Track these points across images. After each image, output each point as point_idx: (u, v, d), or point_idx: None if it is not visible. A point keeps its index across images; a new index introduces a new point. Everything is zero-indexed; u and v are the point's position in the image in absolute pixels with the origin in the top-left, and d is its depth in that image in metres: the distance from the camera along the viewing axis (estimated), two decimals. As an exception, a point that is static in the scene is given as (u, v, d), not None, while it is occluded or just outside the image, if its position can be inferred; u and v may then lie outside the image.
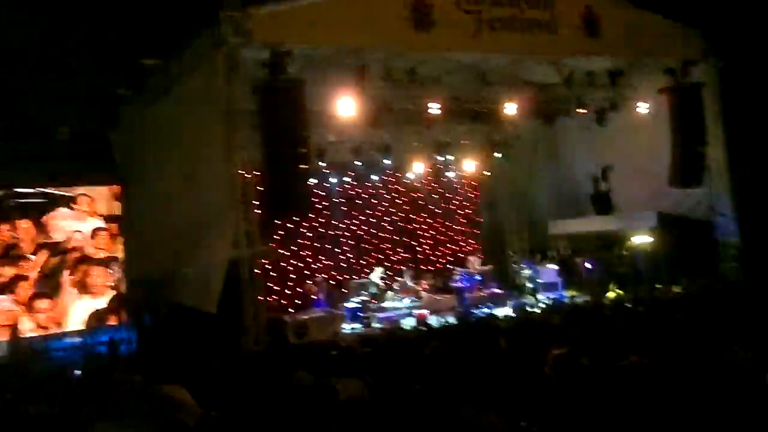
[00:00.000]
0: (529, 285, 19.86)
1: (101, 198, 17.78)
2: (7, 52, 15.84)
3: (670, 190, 18.22)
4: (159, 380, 7.84)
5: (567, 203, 21.89)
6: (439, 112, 16.57)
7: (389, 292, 20.08)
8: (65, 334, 16.12)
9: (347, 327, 17.41)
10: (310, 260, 20.83)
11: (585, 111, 18.22)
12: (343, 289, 20.11)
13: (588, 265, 20.97)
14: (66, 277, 17.10)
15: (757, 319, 8.01)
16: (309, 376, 6.86)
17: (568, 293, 19.28)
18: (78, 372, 9.21)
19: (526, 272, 20.20)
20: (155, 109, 16.16)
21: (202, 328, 13.82)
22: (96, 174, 17.58)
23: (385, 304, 19.31)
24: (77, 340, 16.04)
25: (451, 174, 22.74)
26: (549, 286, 20.22)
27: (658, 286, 17.44)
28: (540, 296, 19.35)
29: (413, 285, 20.46)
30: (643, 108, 18.13)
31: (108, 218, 17.78)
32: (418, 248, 22.90)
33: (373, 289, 19.33)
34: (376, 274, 19.91)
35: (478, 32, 15.08)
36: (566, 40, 16.09)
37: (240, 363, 9.56)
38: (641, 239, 19.35)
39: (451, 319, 16.68)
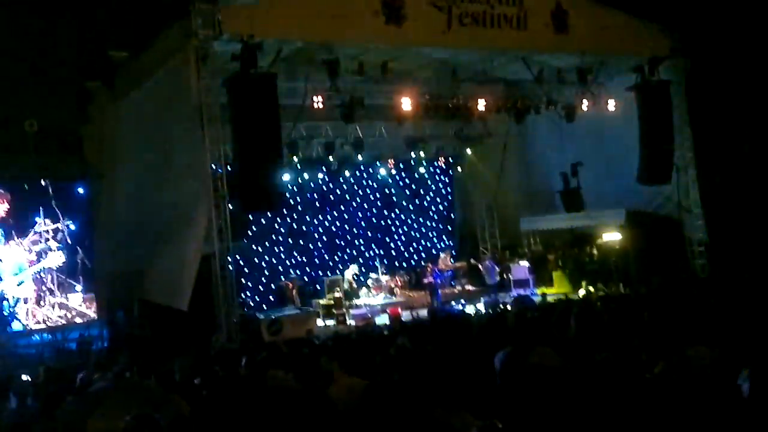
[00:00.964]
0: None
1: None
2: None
3: (639, 187, 18.46)
4: (131, 376, 7.81)
5: (537, 200, 22.07)
6: (410, 107, 16.59)
7: (363, 289, 20.10)
8: (34, 331, 15.85)
9: (321, 323, 17.40)
10: (284, 257, 20.74)
11: (554, 108, 18.39)
12: (316, 286, 20.08)
13: (559, 263, 21.19)
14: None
15: (725, 316, 8.14)
16: (284, 375, 6.85)
17: (539, 291, 19.44)
18: (44, 369, 9.04)
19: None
20: (125, 102, 15.98)
21: (174, 325, 13.71)
22: (65, 168, 17.29)
23: (359, 301, 19.33)
24: (48, 336, 15.79)
25: (422, 170, 22.78)
26: (520, 283, 20.39)
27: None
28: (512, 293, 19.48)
29: (387, 281, 20.50)
30: (611, 105, 18.35)
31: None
32: (391, 245, 22.92)
33: (346, 286, 19.35)
34: (350, 272, 19.91)
35: (448, 27, 15.14)
36: (535, 36, 16.23)
37: (212, 360, 9.48)
38: (611, 236, 19.58)
39: (424, 315, 16.75)
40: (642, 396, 4.86)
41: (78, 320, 16.52)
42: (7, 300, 15.61)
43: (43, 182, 16.19)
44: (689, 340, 6.21)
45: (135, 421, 4.47)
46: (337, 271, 20.53)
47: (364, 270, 20.98)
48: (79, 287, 16.91)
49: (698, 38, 17.84)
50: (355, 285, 19.71)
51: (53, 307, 16.65)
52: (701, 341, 6.03)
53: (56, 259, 16.35)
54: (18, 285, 16.04)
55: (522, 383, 5.08)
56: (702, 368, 5.35)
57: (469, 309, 17.13)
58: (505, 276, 20.88)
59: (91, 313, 16.76)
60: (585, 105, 18.27)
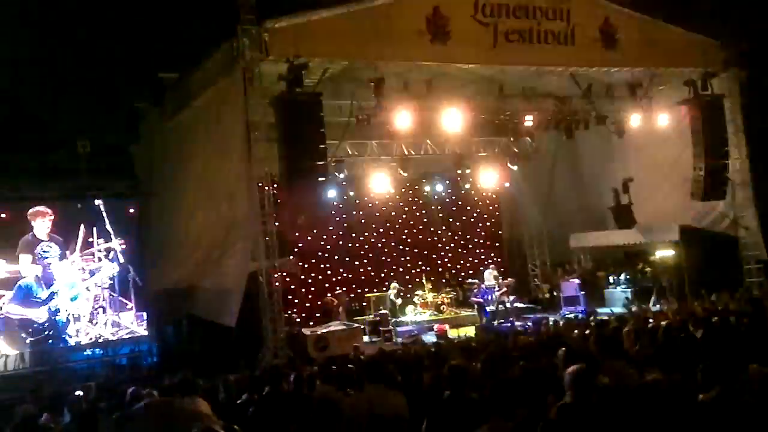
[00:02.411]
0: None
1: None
2: (30, 67, 16.08)
3: (692, 203, 18.01)
4: (179, 393, 7.85)
5: (588, 216, 21.71)
6: (457, 124, 16.51)
7: (410, 306, 19.98)
8: (86, 346, 16.16)
9: (367, 340, 17.33)
10: (330, 273, 20.78)
11: (604, 123, 18.10)
12: (363, 303, 20.04)
13: (611, 279, 20.78)
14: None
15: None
16: (329, 389, 6.82)
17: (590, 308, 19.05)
18: (95, 384, 9.18)
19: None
20: (174, 122, 16.30)
21: (222, 341, 13.84)
22: (116, 187, 17.69)
23: (405, 318, 19.22)
24: (99, 351, 16.07)
25: (468, 186, 22.60)
26: (570, 300, 20.03)
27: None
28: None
29: (433, 299, 20.34)
30: (663, 120, 17.97)
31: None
32: (438, 261, 22.77)
33: (390, 304, 19.25)
34: (392, 290, 19.80)
35: (494, 44, 15.07)
36: (583, 51, 16.05)
37: (258, 376, 9.51)
38: (664, 253, 19.10)
39: (471, 333, 16.58)
40: (695, 420, 4.68)
41: (129, 337, 16.80)
42: (62, 316, 15.95)
43: (96, 201, 16.54)
44: (746, 361, 5.96)
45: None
46: (384, 288, 20.45)
47: (411, 287, 20.88)
48: (130, 305, 17.21)
49: (752, 50, 17.40)
50: (399, 302, 19.59)
51: (105, 325, 16.96)
52: (758, 363, 5.79)
53: (109, 269, 16.64)
54: (72, 300, 16.39)
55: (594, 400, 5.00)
56: (760, 393, 5.13)
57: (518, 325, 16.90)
58: (554, 293, 20.52)
59: (142, 330, 17.03)
60: (636, 120, 17.94)
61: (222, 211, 14.20)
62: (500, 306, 19.76)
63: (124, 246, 17.03)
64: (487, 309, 19.34)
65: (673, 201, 18.54)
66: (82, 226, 16.20)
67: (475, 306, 19.48)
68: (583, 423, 4.84)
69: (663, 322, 10.85)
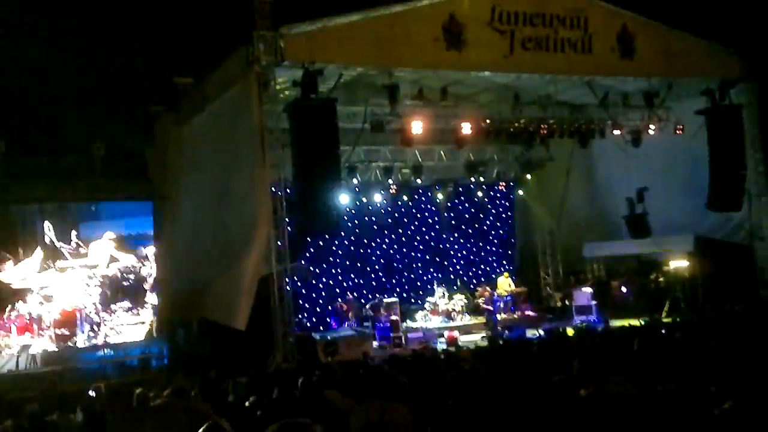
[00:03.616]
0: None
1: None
2: (45, 70, 16.23)
3: (708, 213, 17.86)
4: (188, 395, 7.86)
5: (602, 225, 21.57)
6: (470, 132, 16.48)
7: (420, 312, 19.93)
8: (98, 347, 16.25)
9: (377, 346, 17.28)
10: (341, 278, 20.78)
11: (620, 132, 17.99)
12: (373, 308, 20.00)
13: (624, 289, 20.62)
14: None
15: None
16: (337, 394, 6.80)
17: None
18: (104, 384, 9.21)
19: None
20: (189, 126, 16.36)
21: (233, 344, 13.84)
22: (131, 190, 17.82)
23: (416, 324, 19.16)
24: (110, 352, 16.15)
25: (482, 194, 22.53)
26: (583, 310, 19.88)
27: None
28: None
29: (444, 306, 20.27)
30: (679, 129, 17.84)
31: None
32: (449, 268, 22.70)
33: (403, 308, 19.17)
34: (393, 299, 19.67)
35: (510, 52, 15.03)
36: (600, 60, 15.98)
37: (268, 380, 9.50)
38: (679, 263, 18.94)
39: (482, 341, 16.48)
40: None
41: (140, 339, 16.90)
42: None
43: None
44: (762, 373, 5.87)
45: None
46: (394, 294, 20.38)
47: (422, 293, 20.84)
48: (144, 304, 17.38)
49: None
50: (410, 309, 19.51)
51: (117, 326, 17.10)
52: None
53: (127, 259, 16.76)
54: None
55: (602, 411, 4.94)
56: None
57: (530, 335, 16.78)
58: (566, 302, 20.39)
59: (153, 331, 17.11)
60: (652, 129, 17.82)
61: (234, 216, 14.22)
62: (511, 314, 19.69)
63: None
64: (496, 317, 19.26)
65: (689, 211, 18.39)
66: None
67: (485, 314, 19.39)
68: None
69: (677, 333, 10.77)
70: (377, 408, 6.27)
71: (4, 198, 16.53)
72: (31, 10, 16.17)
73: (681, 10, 16.88)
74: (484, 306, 19.63)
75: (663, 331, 11.67)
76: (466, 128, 16.43)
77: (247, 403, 7.73)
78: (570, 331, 14.48)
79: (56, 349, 15.70)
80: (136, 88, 16.97)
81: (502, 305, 19.98)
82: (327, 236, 19.53)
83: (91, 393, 8.99)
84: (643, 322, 14.93)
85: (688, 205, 18.42)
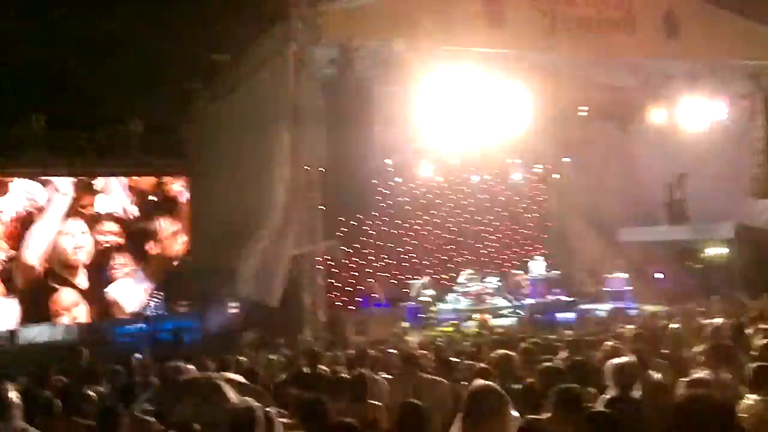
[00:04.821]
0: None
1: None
2: (83, 45, 16.36)
3: (749, 200, 17.45)
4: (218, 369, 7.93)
5: (639, 210, 21.20)
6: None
7: (451, 294, 19.86)
8: (130, 320, 16.52)
9: (407, 326, 17.28)
10: (373, 258, 20.78)
11: (660, 115, 17.60)
12: (404, 289, 20.00)
13: (660, 276, 20.32)
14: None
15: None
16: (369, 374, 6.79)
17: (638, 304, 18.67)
18: (139, 357, 9.32)
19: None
20: (225, 103, 16.42)
21: (265, 320, 13.97)
22: (167, 166, 17.99)
23: (446, 306, 19.11)
24: (143, 326, 16.41)
25: (518, 176, 22.26)
26: (617, 295, 19.64)
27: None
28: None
29: (476, 288, 20.16)
30: (722, 114, 17.39)
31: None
32: (482, 251, 22.57)
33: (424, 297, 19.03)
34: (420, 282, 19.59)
35: (552, 31, 14.75)
36: (644, 41, 15.59)
37: (297, 357, 9.55)
38: (717, 251, 18.58)
39: (514, 324, 16.42)
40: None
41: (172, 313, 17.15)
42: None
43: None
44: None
45: (236, 411, 4.49)
46: (426, 275, 20.30)
47: (454, 275, 20.78)
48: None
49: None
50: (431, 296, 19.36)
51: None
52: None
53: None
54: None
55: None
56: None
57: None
58: (601, 288, 20.16)
59: (186, 306, 17.35)
60: (693, 112, 17.39)
61: (268, 193, 14.25)
62: (544, 298, 19.52)
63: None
64: (531, 301, 19.13)
65: (729, 198, 17.96)
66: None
67: (517, 296, 19.27)
68: (629, 417, 4.73)
69: (714, 320, 10.56)
70: (416, 384, 6.28)
71: (45, 172, 16.80)
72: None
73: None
74: (516, 289, 19.48)
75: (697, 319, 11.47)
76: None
77: (277, 381, 7.78)
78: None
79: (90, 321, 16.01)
80: (174, 65, 17.03)
81: (534, 289, 19.82)
82: (360, 216, 19.55)
83: (138, 356, 9.15)
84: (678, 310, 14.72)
85: (728, 191, 18.01)
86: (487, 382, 4.48)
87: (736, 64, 16.94)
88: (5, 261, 16.23)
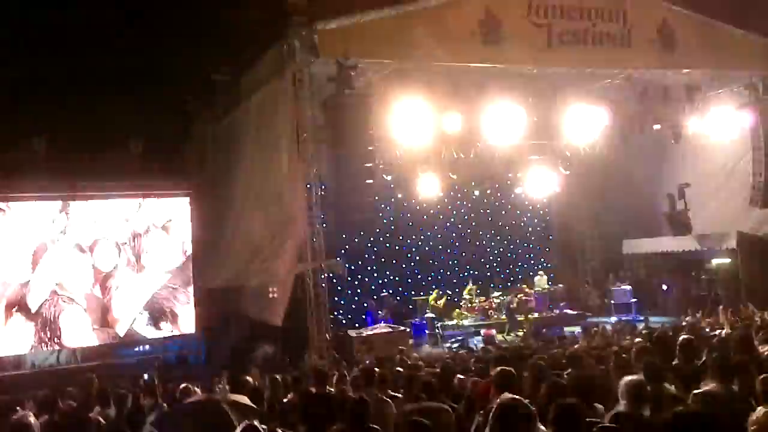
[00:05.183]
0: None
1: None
2: (83, 66, 16.43)
3: (751, 210, 17.43)
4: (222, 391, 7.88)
5: (642, 222, 21.19)
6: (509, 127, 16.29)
7: (456, 310, 19.81)
8: (136, 343, 16.47)
9: (413, 343, 17.22)
10: (376, 275, 20.74)
11: (660, 127, 17.64)
12: (409, 306, 19.95)
13: (664, 287, 20.26)
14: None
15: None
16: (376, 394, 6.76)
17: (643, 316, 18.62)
18: (147, 378, 9.30)
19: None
20: (225, 122, 16.49)
21: (269, 341, 13.92)
22: (168, 186, 17.98)
23: (452, 322, 19.06)
24: (148, 348, 16.36)
25: (519, 191, 22.25)
26: (622, 308, 19.59)
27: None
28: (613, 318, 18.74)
29: (480, 303, 20.12)
30: (721, 124, 17.42)
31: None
32: (486, 266, 22.52)
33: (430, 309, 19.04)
34: (434, 295, 19.58)
35: (548, 46, 14.81)
36: (640, 53, 15.66)
37: (303, 377, 9.50)
38: (720, 261, 18.54)
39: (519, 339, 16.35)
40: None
41: (178, 334, 17.10)
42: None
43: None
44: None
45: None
46: (430, 291, 20.27)
47: (458, 290, 20.72)
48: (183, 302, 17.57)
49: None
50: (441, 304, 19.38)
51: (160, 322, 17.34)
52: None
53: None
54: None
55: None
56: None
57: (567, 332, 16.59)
58: (605, 299, 20.13)
59: (192, 327, 17.30)
60: (692, 124, 17.43)
61: (270, 212, 14.27)
62: (549, 312, 19.47)
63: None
64: (535, 315, 19.08)
65: (731, 208, 17.98)
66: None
67: (522, 311, 19.20)
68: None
69: (720, 331, 10.52)
70: (419, 408, 6.22)
71: (44, 197, 16.80)
72: (71, 6, 16.40)
73: (723, 2, 16.46)
74: (522, 304, 19.41)
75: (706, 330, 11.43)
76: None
77: (284, 400, 7.74)
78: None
79: (96, 344, 15.96)
80: (174, 85, 17.09)
81: (539, 303, 19.77)
82: (362, 233, 19.53)
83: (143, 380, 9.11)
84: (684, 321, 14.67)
85: (730, 201, 18.01)
86: (515, 396, 4.46)
87: (732, 76, 17.00)
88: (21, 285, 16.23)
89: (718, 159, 18.27)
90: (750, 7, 16.52)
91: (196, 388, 8.28)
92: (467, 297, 20.24)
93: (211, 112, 17.20)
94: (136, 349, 16.39)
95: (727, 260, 18.43)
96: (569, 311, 20.23)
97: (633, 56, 15.67)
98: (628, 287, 20.11)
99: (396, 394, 7.15)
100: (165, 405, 7.64)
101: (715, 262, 18.96)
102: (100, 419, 7.27)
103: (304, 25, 13.16)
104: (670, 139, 17.91)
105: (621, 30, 15.44)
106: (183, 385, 8.24)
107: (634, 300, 19.71)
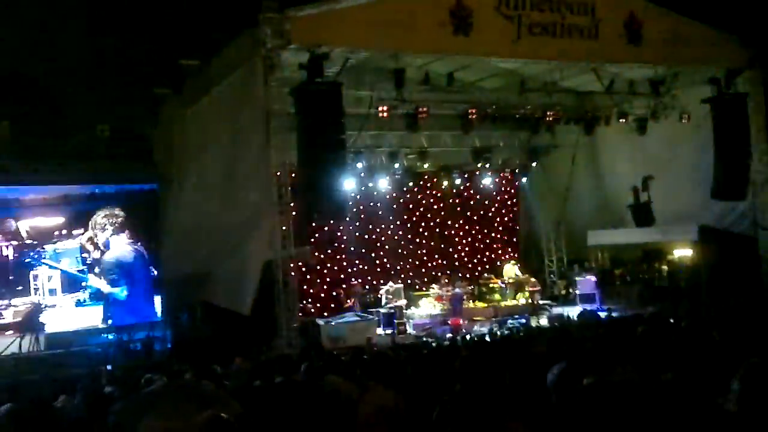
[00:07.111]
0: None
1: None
2: (50, 51, 16.16)
3: (713, 202, 17.80)
4: (189, 378, 7.87)
5: (606, 213, 21.52)
6: (476, 117, 16.43)
7: (424, 299, 19.92)
8: (101, 330, 16.30)
9: (381, 332, 17.33)
10: (346, 264, 20.76)
11: (625, 120, 17.92)
12: (377, 295, 20.01)
13: (627, 278, 20.60)
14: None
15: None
16: (339, 380, 6.81)
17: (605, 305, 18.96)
18: (110, 368, 9.24)
19: None
20: (194, 109, 16.32)
21: (236, 329, 13.87)
22: (135, 172, 17.77)
23: (420, 311, 19.18)
24: (114, 336, 16.20)
25: (488, 180, 22.43)
26: (586, 298, 19.90)
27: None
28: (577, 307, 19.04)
29: (448, 292, 20.25)
30: (685, 118, 17.76)
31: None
32: (454, 255, 22.67)
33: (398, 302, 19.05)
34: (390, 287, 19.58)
35: (518, 37, 14.93)
36: (607, 46, 15.86)
37: (270, 365, 9.50)
38: (683, 252, 18.91)
39: (485, 329, 16.53)
40: (714, 421, 4.60)
41: (144, 322, 16.94)
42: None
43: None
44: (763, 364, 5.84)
45: (209, 421, 4.46)
46: (399, 280, 20.36)
47: (426, 280, 20.86)
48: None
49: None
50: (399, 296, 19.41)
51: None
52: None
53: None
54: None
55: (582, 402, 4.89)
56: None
57: (533, 323, 16.85)
58: (570, 290, 20.41)
59: (158, 315, 17.16)
60: (657, 117, 17.72)
61: (239, 199, 14.20)
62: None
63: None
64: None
65: (694, 200, 18.34)
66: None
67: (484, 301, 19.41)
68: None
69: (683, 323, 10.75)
70: (381, 395, 6.29)
71: (9, 180, 16.50)
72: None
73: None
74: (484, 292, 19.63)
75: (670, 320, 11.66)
76: (472, 114, 16.38)
77: (249, 388, 7.74)
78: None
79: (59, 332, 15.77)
80: (142, 71, 16.87)
81: (506, 292, 19.98)
82: (332, 221, 19.50)
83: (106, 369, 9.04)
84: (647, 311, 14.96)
85: (692, 194, 18.37)
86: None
87: (696, 70, 17.31)
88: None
89: (682, 152, 18.61)
90: (714, 2, 16.84)
91: (161, 377, 8.25)
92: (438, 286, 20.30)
93: (180, 97, 17.01)
94: (102, 336, 16.21)
95: (689, 252, 18.79)
96: (535, 301, 20.43)
97: (600, 49, 15.86)
98: (593, 278, 20.43)
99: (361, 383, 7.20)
100: (129, 393, 7.60)
101: (677, 253, 19.31)
102: (65, 408, 7.23)
103: (276, 12, 13.08)
104: (635, 132, 18.20)
105: (589, 23, 15.60)
106: (147, 375, 8.20)
107: (598, 290, 20.02)
